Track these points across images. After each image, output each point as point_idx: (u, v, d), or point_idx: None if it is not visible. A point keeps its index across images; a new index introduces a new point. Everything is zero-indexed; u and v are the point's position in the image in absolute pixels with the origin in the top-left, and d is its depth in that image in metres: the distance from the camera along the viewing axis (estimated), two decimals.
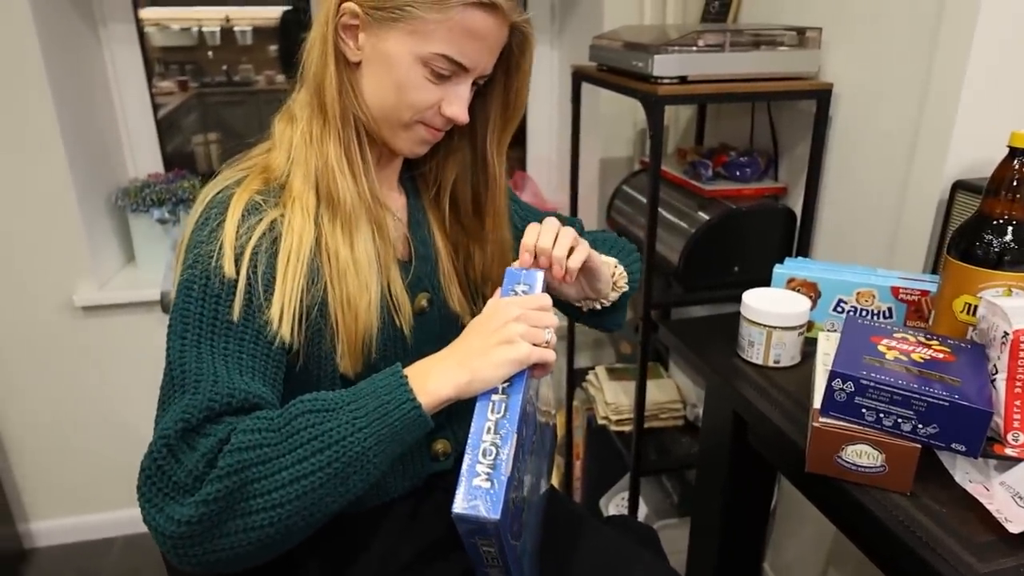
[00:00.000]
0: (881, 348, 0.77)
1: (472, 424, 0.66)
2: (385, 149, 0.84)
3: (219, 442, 0.61)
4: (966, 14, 1.01)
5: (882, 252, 1.24)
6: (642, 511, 1.78)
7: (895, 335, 0.80)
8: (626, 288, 0.96)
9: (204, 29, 1.97)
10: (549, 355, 0.71)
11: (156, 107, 1.90)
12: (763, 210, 1.44)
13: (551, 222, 0.82)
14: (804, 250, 1.43)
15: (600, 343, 2.16)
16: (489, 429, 0.66)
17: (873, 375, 0.70)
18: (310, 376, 0.77)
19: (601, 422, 1.75)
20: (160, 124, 1.92)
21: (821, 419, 0.72)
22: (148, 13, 1.84)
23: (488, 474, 0.62)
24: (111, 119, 1.85)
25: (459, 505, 0.61)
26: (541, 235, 0.79)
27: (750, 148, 1.58)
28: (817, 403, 0.74)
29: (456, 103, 0.79)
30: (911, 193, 1.14)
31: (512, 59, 0.83)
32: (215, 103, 2.05)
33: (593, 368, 1.90)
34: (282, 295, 0.72)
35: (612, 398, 1.73)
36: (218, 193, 0.75)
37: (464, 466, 0.63)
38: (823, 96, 1.31)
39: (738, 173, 1.48)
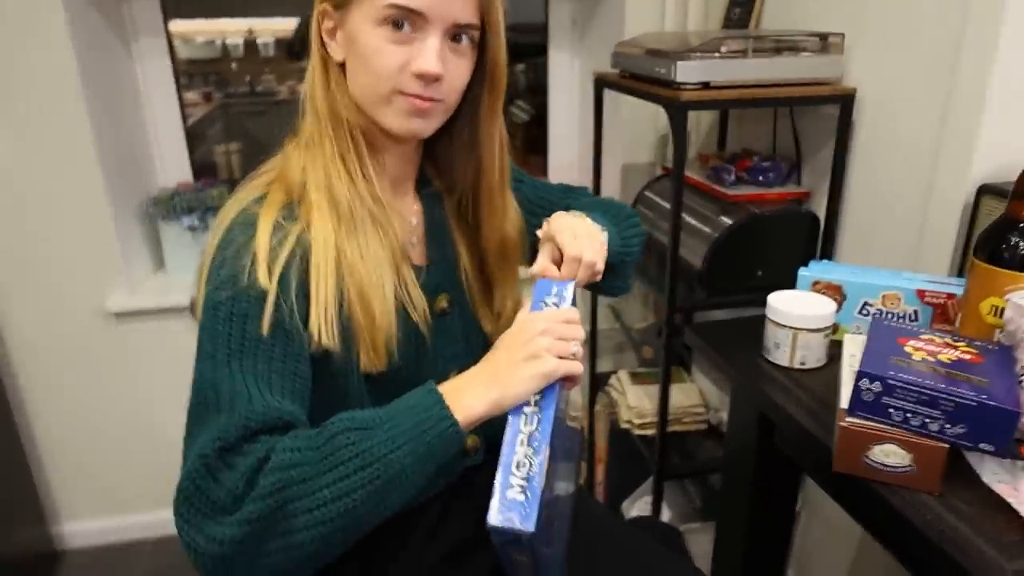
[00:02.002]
0: (908, 349, 0.77)
1: (505, 435, 0.68)
2: (390, 149, 0.83)
3: (259, 461, 0.61)
4: (991, 17, 1.01)
5: (906, 256, 1.24)
6: (665, 515, 1.78)
7: (922, 336, 0.81)
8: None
9: (228, 41, 2.01)
10: (576, 367, 0.72)
11: (184, 118, 1.95)
12: (786, 214, 1.45)
13: (573, 235, 0.82)
14: (827, 254, 1.43)
15: (622, 347, 2.17)
16: (522, 441, 0.67)
17: (901, 375, 0.71)
18: (337, 381, 0.77)
19: (624, 426, 1.75)
20: (187, 134, 1.96)
21: (848, 419, 0.73)
22: (175, 26, 1.89)
23: (522, 486, 0.64)
24: (142, 130, 1.89)
25: (494, 517, 0.62)
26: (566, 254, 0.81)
27: (773, 153, 1.59)
28: (844, 403, 0.74)
29: (421, 57, 0.74)
30: (936, 197, 1.14)
31: (482, 11, 0.78)
32: (238, 113, 2.09)
33: (615, 372, 1.91)
34: (317, 303, 0.73)
35: (635, 402, 1.74)
36: (238, 215, 0.75)
37: (498, 478, 0.64)
38: (846, 101, 1.32)
39: (761, 178, 1.49)
